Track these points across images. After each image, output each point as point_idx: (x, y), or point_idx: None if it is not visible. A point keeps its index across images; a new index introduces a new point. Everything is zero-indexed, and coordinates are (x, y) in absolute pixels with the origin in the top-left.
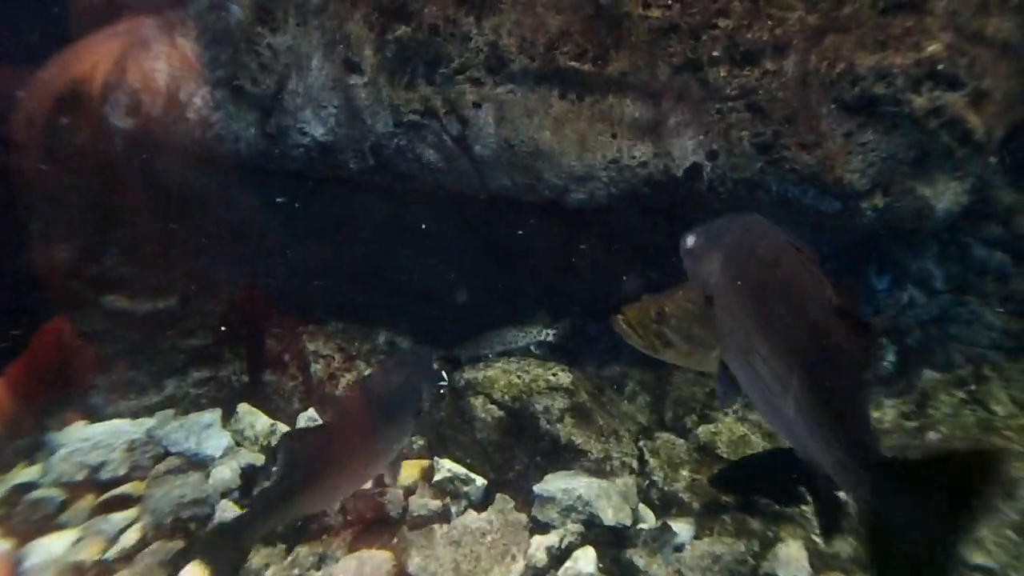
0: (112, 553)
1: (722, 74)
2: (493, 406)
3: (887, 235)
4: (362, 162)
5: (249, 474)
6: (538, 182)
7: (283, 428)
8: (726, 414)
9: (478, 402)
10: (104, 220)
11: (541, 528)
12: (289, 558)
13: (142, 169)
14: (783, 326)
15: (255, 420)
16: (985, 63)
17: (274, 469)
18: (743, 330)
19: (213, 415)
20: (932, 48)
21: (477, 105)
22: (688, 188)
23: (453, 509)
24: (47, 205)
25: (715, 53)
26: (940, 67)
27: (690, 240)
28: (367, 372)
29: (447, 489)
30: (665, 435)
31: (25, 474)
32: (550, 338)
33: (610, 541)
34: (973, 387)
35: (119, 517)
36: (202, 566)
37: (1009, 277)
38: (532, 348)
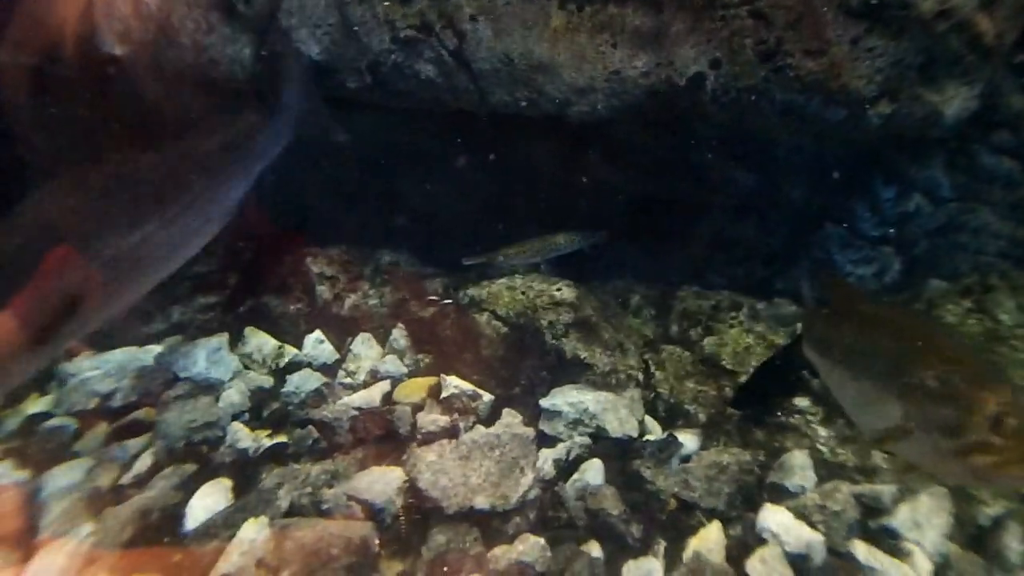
0: (127, 479)
1: None
2: (498, 322)
3: (894, 144)
4: (359, 81)
5: (258, 396)
6: (538, 96)
7: (291, 350)
8: (731, 326)
9: (483, 319)
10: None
11: (548, 442)
12: (301, 477)
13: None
14: None
15: (262, 343)
16: None
17: None
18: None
19: (220, 339)
20: None
21: (474, 18)
22: (691, 98)
23: (461, 425)
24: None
25: None
26: None
27: None
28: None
29: (455, 405)
30: (670, 347)
31: (38, 404)
32: (602, 239)
33: (617, 453)
34: (979, 296)
35: (132, 443)
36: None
37: (1017, 184)
38: (586, 250)
